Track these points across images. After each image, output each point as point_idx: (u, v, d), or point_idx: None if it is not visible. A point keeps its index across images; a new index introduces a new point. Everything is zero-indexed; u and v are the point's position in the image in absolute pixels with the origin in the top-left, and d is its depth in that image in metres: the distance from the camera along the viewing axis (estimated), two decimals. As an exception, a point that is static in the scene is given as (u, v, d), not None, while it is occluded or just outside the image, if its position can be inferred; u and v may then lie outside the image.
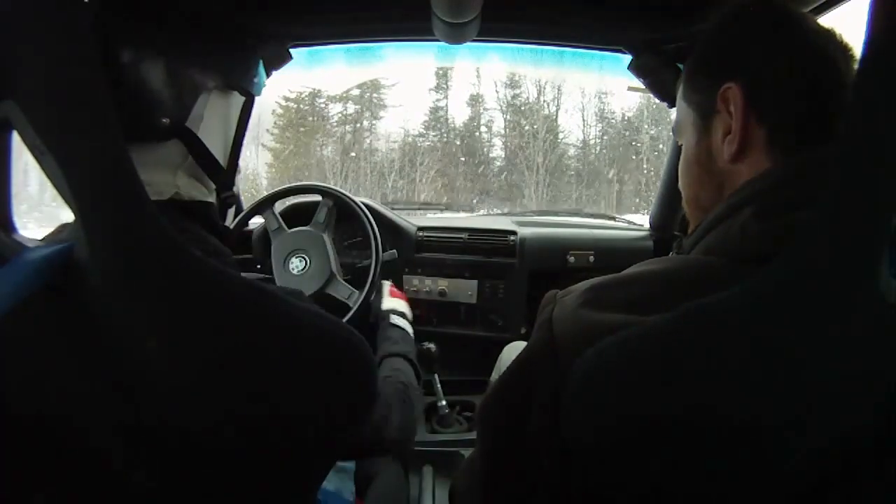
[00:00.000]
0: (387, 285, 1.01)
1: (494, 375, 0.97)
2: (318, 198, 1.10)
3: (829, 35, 0.41)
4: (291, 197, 1.22)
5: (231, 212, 0.62)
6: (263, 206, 1.10)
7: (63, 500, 0.38)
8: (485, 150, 5.83)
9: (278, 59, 1.00)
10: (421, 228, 1.30)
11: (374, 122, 5.97)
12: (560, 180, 5.67)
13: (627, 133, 5.85)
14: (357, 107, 5.93)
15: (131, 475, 0.38)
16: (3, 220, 0.42)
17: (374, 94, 5.95)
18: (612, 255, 1.31)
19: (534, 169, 5.50)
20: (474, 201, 5.52)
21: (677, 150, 1.16)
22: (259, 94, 0.59)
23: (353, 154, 5.75)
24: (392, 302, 0.95)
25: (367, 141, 5.92)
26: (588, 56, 1.12)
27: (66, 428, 0.37)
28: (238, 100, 0.57)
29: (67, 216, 0.43)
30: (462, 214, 1.75)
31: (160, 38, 0.48)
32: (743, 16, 0.45)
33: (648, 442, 0.35)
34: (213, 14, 0.52)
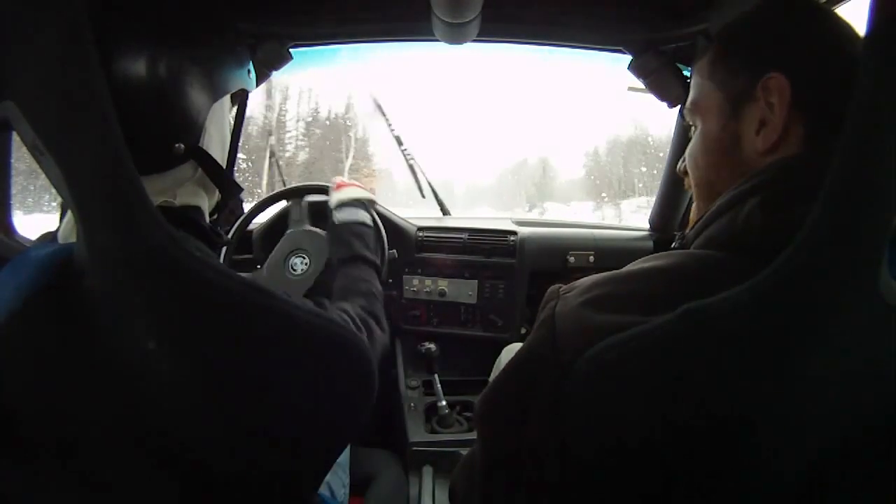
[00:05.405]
0: (334, 181, 0.90)
1: (493, 377, 0.96)
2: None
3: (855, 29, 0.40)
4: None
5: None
6: (293, 195, 1.08)
7: (62, 500, 0.38)
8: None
9: (278, 59, 0.99)
10: (421, 229, 1.30)
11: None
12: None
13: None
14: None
15: (131, 472, 0.38)
16: (2, 221, 0.42)
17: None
18: (612, 255, 1.31)
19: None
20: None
21: (677, 151, 1.17)
22: (253, 88, 0.57)
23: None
24: (337, 195, 0.85)
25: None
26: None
27: (65, 427, 0.37)
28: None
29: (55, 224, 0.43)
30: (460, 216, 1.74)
31: (164, 56, 0.43)
32: (784, 5, 0.44)
33: (648, 442, 0.35)
34: (208, 22, 0.49)
